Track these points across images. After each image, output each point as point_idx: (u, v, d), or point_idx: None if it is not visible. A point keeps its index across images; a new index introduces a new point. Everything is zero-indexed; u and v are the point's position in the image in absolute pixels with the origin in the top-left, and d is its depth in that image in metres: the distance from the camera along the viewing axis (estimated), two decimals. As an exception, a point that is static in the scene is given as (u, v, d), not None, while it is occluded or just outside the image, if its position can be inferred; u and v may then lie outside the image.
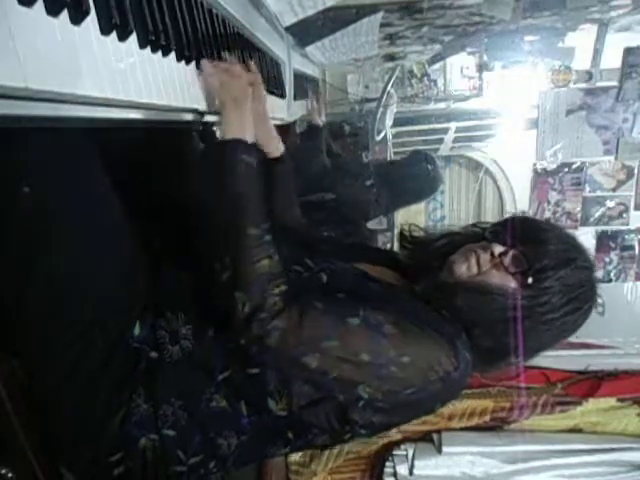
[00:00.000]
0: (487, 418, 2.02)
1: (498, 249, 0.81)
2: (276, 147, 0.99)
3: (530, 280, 0.78)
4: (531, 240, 0.81)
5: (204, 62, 0.80)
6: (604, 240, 4.04)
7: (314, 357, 0.69)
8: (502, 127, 3.88)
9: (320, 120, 2.29)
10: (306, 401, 0.74)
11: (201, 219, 0.76)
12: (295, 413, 0.74)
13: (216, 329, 0.75)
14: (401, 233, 1.02)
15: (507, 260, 0.80)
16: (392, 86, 2.88)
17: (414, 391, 0.73)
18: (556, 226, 0.87)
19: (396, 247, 1.06)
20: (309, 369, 0.70)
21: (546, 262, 0.79)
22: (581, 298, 0.81)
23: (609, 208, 4.01)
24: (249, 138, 0.77)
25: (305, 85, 2.15)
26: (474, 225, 0.97)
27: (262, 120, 0.93)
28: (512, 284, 0.80)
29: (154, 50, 0.62)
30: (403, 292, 0.86)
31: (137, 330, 0.74)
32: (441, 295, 0.82)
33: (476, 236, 0.89)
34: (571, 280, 0.80)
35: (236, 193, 0.73)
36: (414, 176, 2.37)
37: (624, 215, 4.01)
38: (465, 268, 0.82)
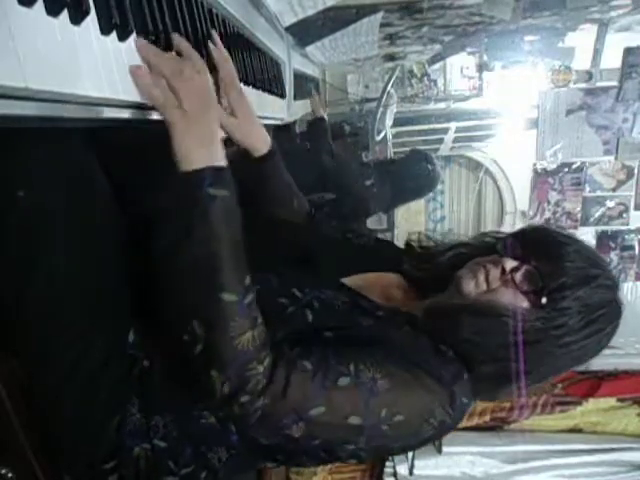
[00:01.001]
0: (487, 418, 2.02)
1: (510, 264, 0.74)
2: (264, 142, 0.87)
3: (544, 300, 0.71)
4: (547, 254, 0.74)
5: (140, 44, 0.57)
6: (604, 240, 4.04)
7: (298, 427, 0.63)
8: (502, 127, 3.88)
9: (324, 112, 2.34)
10: (292, 445, 0.68)
11: (162, 281, 0.63)
12: (282, 445, 0.70)
13: None
14: (408, 243, 0.94)
15: (519, 276, 0.74)
16: (392, 86, 2.88)
17: (404, 441, 0.70)
18: (576, 239, 0.79)
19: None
20: (293, 439, 0.64)
21: (563, 280, 0.71)
22: (602, 320, 0.73)
23: (609, 208, 4.01)
24: (218, 159, 0.61)
25: (305, 85, 2.16)
26: (485, 234, 0.88)
27: (246, 116, 0.82)
28: (524, 304, 0.73)
29: (154, 50, 0.62)
30: (400, 323, 0.76)
31: (132, 336, 0.74)
32: (445, 324, 0.75)
33: (487, 248, 0.82)
34: (591, 300, 0.72)
35: (206, 247, 0.59)
36: (414, 175, 2.40)
37: (624, 215, 4.01)
38: (473, 285, 0.76)
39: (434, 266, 0.86)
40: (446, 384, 0.69)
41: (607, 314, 0.74)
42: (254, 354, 0.60)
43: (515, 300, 0.73)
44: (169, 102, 0.59)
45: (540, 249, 0.75)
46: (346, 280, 0.85)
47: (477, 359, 0.73)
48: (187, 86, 0.60)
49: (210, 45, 0.75)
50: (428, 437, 0.71)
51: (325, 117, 2.39)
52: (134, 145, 0.88)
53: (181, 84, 0.59)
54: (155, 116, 0.65)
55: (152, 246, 0.62)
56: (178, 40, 0.64)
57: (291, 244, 0.91)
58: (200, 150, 0.60)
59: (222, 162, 0.62)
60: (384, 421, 0.65)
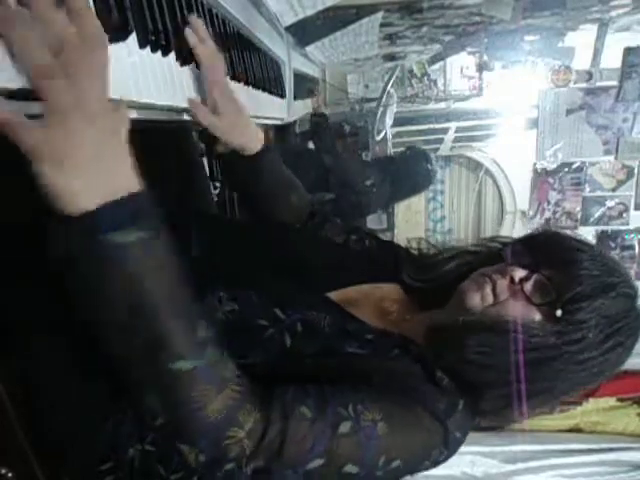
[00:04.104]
0: (487, 418, 2.02)
1: (519, 273, 0.67)
2: (256, 140, 0.82)
3: (559, 313, 0.64)
4: (559, 262, 0.67)
5: None
6: (604, 240, 4.03)
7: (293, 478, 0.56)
8: (502, 127, 3.88)
9: (322, 109, 2.35)
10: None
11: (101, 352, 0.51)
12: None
13: None
14: (408, 250, 0.88)
15: (529, 287, 0.67)
16: (392, 86, 2.89)
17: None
18: (590, 244, 0.72)
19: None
20: None
21: (579, 290, 0.64)
22: (622, 332, 0.66)
23: (609, 208, 4.01)
24: (129, 185, 0.44)
25: (305, 85, 2.16)
26: (492, 240, 0.81)
27: (232, 115, 0.75)
28: (536, 317, 0.66)
29: (154, 50, 0.62)
30: (391, 348, 0.69)
31: None
32: (447, 346, 0.68)
33: (493, 256, 0.75)
34: (610, 312, 0.65)
35: (134, 313, 0.45)
36: (413, 174, 2.41)
37: (624, 215, 4.01)
38: (479, 299, 0.68)
39: (436, 277, 0.80)
40: (439, 419, 0.62)
41: (627, 326, 0.67)
42: (231, 421, 0.51)
43: (526, 313, 0.66)
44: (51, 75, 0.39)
45: (552, 256, 0.68)
46: (338, 293, 0.78)
47: (483, 382, 0.66)
48: (77, 59, 0.40)
49: (187, 33, 0.65)
50: (421, 471, 0.66)
51: (326, 113, 2.39)
52: (132, 145, 0.88)
53: (72, 54, 0.39)
54: (155, 116, 0.65)
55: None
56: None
57: (282, 249, 0.85)
58: (93, 178, 0.41)
59: (128, 186, 0.44)
60: (381, 468, 0.59)
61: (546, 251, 0.70)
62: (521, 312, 0.66)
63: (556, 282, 0.66)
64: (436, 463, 0.65)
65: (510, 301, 0.67)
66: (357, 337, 0.69)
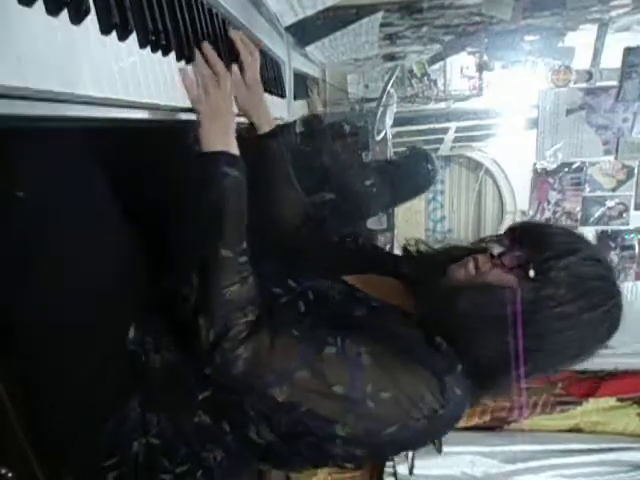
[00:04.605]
0: (487, 418, 2.02)
1: (497, 249, 0.77)
2: (270, 123, 0.95)
3: (532, 273, 0.72)
4: (533, 241, 0.76)
5: (198, 62, 0.73)
6: (604, 240, 4.03)
7: (281, 389, 0.65)
8: (502, 127, 3.88)
9: (318, 109, 2.33)
10: (284, 433, 0.70)
11: (178, 234, 0.74)
12: (275, 442, 0.71)
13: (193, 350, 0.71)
14: (405, 248, 0.96)
15: (507, 259, 0.76)
16: (392, 86, 2.88)
17: (395, 430, 0.67)
18: (561, 226, 0.83)
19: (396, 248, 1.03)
20: (276, 402, 0.65)
21: (548, 253, 0.73)
22: (597, 293, 0.73)
23: (609, 208, 4.01)
24: (233, 149, 0.73)
25: (305, 84, 2.16)
26: (482, 240, 0.90)
27: (256, 94, 0.91)
28: (514, 281, 0.74)
29: (154, 50, 0.62)
30: (394, 316, 0.79)
31: (132, 332, 0.74)
32: (441, 303, 0.76)
33: (480, 250, 0.83)
34: (579, 271, 0.73)
35: (214, 210, 0.69)
36: (414, 174, 2.41)
37: (624, 215, 4.01)
38: (463, 272, 0.78)
39: (430, 266, 0.87)
40: (436, 374, 0.69)
41: (601, 288, 0.74)
42: (239, 304, 0.67)
43: (505, 278, 0.75)
44: (202, 100, 0.73)
45: (527, 238, 0.77)
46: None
47: (476, 342, 0.73)
48: (216, 91, 0.74)
49: (232, 33, 0.88)
50: (423, 432, 0.70)
51: (320, 115, 2.37)
52: (132, 145, 0.88)
53: (213, 89, 0.74)
54: (155, 116, 0.65)
55: (182, 202, 0.75)
56: (210, 53, 0.76)
57: (282, 244, 0.94)
58: (220, 139, 0.72)
59: (236, 153, 0.74)
60: (370, 397, 0.66)
61: (521, 235, 0.78)
62: (500, 278, 0.75)
63: (530, 254, 0.74)
64: (434, 415, 0.68)
65: (490, 271, 0.76)
66: (364, 303, 0.79)
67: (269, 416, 0.69)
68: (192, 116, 0.76)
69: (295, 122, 2.34)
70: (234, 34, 0.88)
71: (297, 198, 0.99)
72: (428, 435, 0.74)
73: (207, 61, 0.75)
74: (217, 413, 0.72)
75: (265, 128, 0.94)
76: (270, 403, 0.66)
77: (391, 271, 0.90)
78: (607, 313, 0.74)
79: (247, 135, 0.93)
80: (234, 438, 0.72)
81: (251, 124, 0.94)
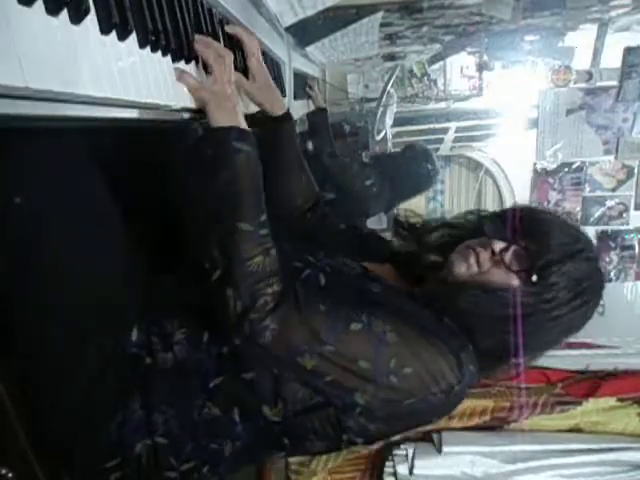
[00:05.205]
0: (487, 418, 2.02)
1: (498, 246, 0.78)
2: (281, 106, 0.97)
3: (534, 278, 0.75)
4: (533, 233, 0.78)
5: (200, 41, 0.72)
6: (604, 240, 4.04)
7: (310, 358, 0.67)
8: (502, 127, 3.88)
9: (322, 103, 2.30)
10: (301, 407, 0.71)
11: (190, 213, 0.72)
12: (290, 419, 0.72)
13: (211, 332, 0.73)
14: (396, 219, 1.00)
15: (508, 257, 0.77)
16: (392, 86, 2.88)
17: (414, 401, 0.70)
18: (558, 216, 0.85)
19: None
20: (304, 370, 0.68)
21: (550, 257, 0.75)
22: (589, 291, 0.77)
23: (609, 208, 4.01)
24: (242, 125, 0.72)
25: (306, 83, 2.15)
26: (471, 212, 0.93)
27: (264, 81, 0.92)
28: (515, 282, 0.76)
29: (154, 50, 0.62)
30: (404, 295, 0.81)
31: (135, 335, 0.74)
32: (443, 297, 0.78)
33: (475, 228, 0.86)
34: (577, 274, 0.76)
35: (229, 186, 0.68)
36: (414, 174, 2.40)
37: (624, 215, 4.01)
38: (465, 268, 0.79)
39: (423, 246, 0.91)
40: (454, 351, 0.72)
41: (592, 285, 0.78)
42: (263, 275, 0.67)
43: (507, 279, 0.77)
44: (205, 86, 0.72)
45: (526, 227, 0.79)
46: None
47: (477, 332, 0.76)
48: (221, 69, 0.73)
49: (229, 26, 0.87)
50: (439, 406, 0.73)
51: (326, 109, 2.33)
52: (132, 145, 0.88)
53: (218, 66, 0.73)
54: (155, 116, 0.65)
55: (189, 180, 0.71)
56: (200, 38, 0.74)
57: (293, 231, 0.97)
58: (228, 117, 0.71)
59: (246, 127, 0.72)
60: (393, 372, 0.68)
61: (521, 224, 0.80)
62: (503, 278, 0.77)
63: (531, 251, 0.76)
64: (451, 391, 0.71)
65: (493, 269, 0.78)
66: (378, 281, 0.82)
67: (285, 392, 0.71)
68: (192, 116, 0.76)
69: (295, 122, 2.33)
70: (230, 27, 0.88)
71: (309, 182, 1.04)
72: (442, 410, 0.77)
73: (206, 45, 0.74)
74: (228, 401, 0.72)
75: (278, 112, 0.96)
76: (297, 371, 0.68)
77: (385, 257, 0.94)
78: (594, 306, 0.79)
79: (259, 118, 0.95)
80: (244, 428, 0.72)
81: (263, 112, 0.95)
